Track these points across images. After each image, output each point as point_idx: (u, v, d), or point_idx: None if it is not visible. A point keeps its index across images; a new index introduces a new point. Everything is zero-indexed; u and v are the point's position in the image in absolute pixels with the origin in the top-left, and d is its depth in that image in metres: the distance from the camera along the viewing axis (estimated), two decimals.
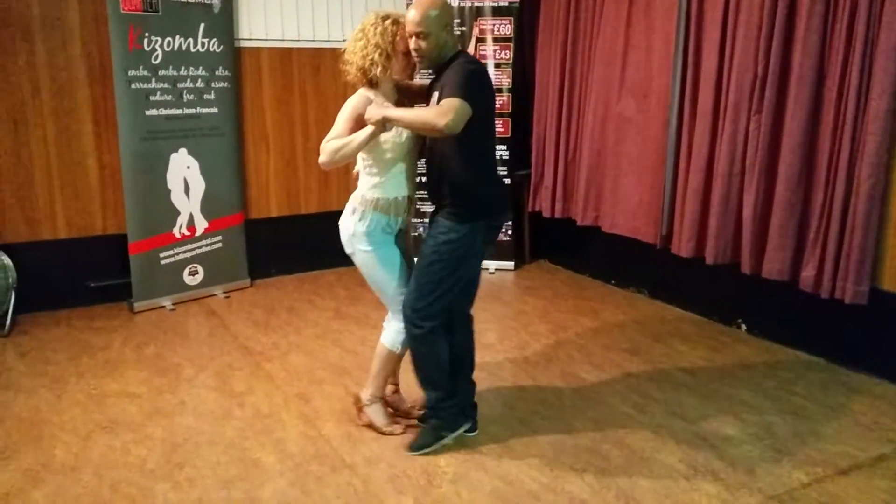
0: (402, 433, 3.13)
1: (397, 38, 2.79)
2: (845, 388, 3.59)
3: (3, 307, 4.35)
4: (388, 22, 2.78)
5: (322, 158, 2.77)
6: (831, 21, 3.61)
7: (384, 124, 2.68)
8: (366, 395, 3.17)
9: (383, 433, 3.12)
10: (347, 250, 2.98)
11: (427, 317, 2.88)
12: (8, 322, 4.33)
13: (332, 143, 2.74)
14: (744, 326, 4.37)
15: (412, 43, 2.76)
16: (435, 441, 3.02)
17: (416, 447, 3.02)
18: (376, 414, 3.15)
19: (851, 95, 3.52)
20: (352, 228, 2.91)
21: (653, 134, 4.64)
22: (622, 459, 2.95)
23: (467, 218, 2.82)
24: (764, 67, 3.88)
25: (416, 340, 2.95)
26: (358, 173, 2.98)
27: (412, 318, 2.90)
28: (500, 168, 5.50)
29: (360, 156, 2.89)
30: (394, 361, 3.11)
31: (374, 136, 2.72)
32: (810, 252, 3.80)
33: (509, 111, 5.49)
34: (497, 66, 5.46)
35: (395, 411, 3.27)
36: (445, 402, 3.03)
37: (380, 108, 2.71)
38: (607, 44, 4.89)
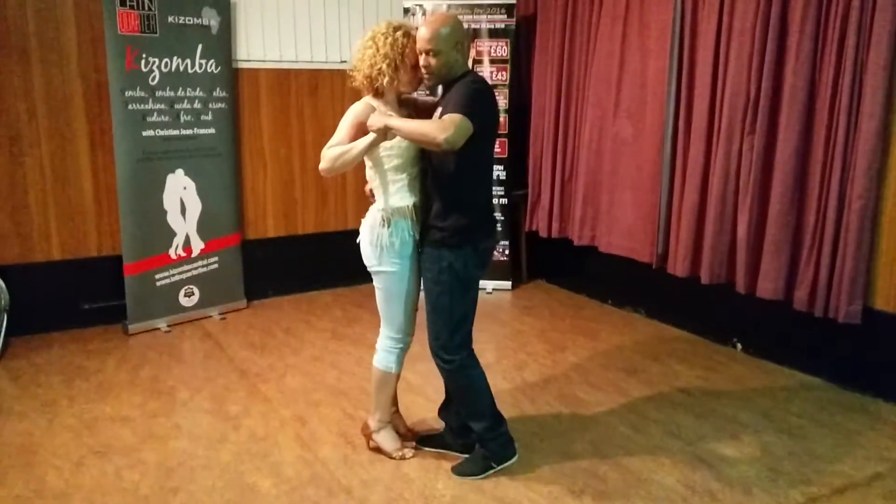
0: (412, 457, 3.11)
1: (407, 50, 2.77)
2: (840, 407, 3.60)
3: None
4: (399, 33, 2.77)
5: (322, 165, 2.75)
6: (821, 43, 3.66)
7: (385, 133, 2.67)
8: (373, 421, 3.14)
9: (393, 458, 3.10)
10: (372, 263, 2.90)
11: (453, 349, 2.88)
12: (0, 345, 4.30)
13: (333, 150, 2.73)
14: (739, 346, 4.37)
15: (422, 59, 2.75)
16: (482, 471, 2.97)
17: (462, 473, 2.99)
18: (385, 439, 3.13)
19: (842, 116, 3.55)
20: (384, 239, 2.84)
21: (648, 155, 4.67)
22: (620, 481, 2.94)
23: (455, 244, 2.80)
24: (756, 89, 3.92)
25: (450, 375, 2.93)
26: (371, 191, 2.95)
27: (440, 354, 2.89)
28: (497, 188, 5.55)
29: (369, 167, 2.88)
30: (391, 382, 3.08)
31: (374, 145, 2.71)
32: (803, 271, 3.82)
33: (506, 132, 5.51)
34: (494, 87, 5.41)
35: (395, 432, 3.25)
36: (493, 431, 2.98)
37: (382, 116, 2.70)
38: (602, 65, 4.94)
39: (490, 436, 2.98)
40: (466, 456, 3.07)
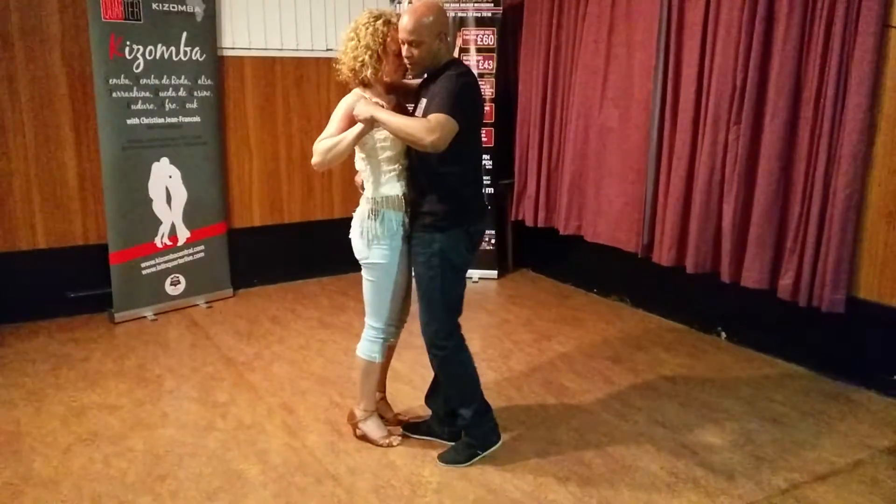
0: (399, 445, 3.12)
1: (388, 39, 2.75)
2: (823, 396, 3.64)
3: None
4: (379, 22, 2.75)
5: (314, 159, 2.74)
6: (808, 33, 3.68)
7: (372, 122, 2.66)
8: (359, 410, 3.15)
9: (380, 446, 3.11)
10: (363, 255, 2.89)
11: (448, 334, 2.89)
12: None
13: (324, 143, 2.72)
14: (724, 334, 4.41)
15: (404, 50, 2.73)
16: (467, 459, 3.00)
17: (448, 461, 3.00)
18: (372, 428, 3.14)
19: (828, 107, 3.58)
20: (373, 231, 2.84)
21: (634, 144, 4.68)
22: (604, 468, 2.97)
23: (445, 226, 2.81)
24: (743, 79, 3.93)
25: (445, 362, 2.94)
26: (362, 183, 2.94)
27: (434, 341, 2.90)
28: (483, 177, 5.55)
29: (360, 158, 2.87)
30: (376, 371, 3.09)
31: (363, 134, 2.70)
32: (788, 261, 3.85)
33: (492, 121, 5.52)
34: (480, 76, 5.49)
35: (381, 419, 3.27)
36: (480, 417, 3.01)
37: (369, 105, 2.68)
38: (589, 54, 4.94)
39: (477, 421, 3.00)
40: (452, 444, 3.10)
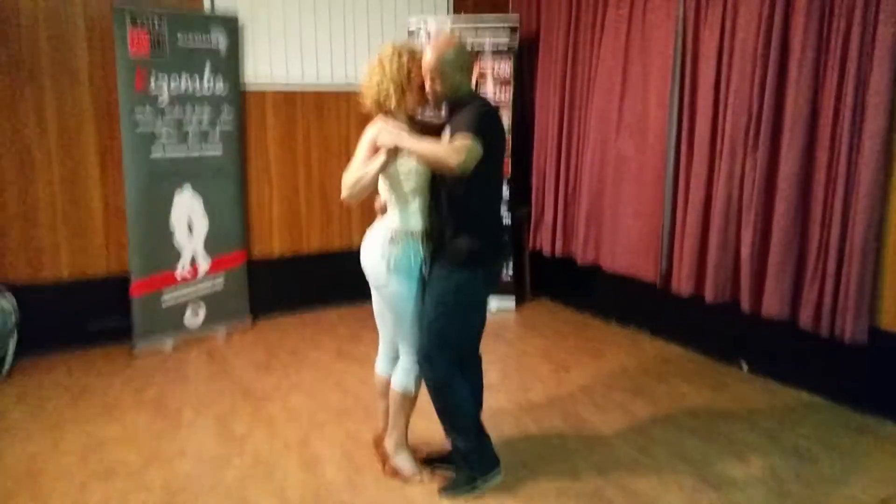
0: (430, 479, 3.08)
1: (412, 74, 2.80)
2: (848, 429, 3.57)
3: (2, 351, 4.32)
4: (404, 56, 2.80)
5: (343, 193, 2.75)
6: (823, 61, 3.67)
7: (397, 150, 2.68)
8: (390, 443, 3.12)
9: (412, 481, 3.07)
10: (379, 283, 2.89)
11: (442, 366, 2.88)
12: (7, 366, 4.31)
13: (350, 176, 2.74)
14: (745, 365, 4.35)
15: (427, 83, 2.79)
16: (468, 489, 2.97)
17: (448, 491, 2.98)
18: (403, 462, 3.11)
19: (845, 134, 3.56)
20: (391, 257, 2.84)
21: (651, 173, 4.68)
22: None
23: (468, 265, 2.81)
24: (759, 107, 3.93)
25: (435, 389, 2.93)
26: (384, 206, 2.94)
27: (427, 368, 2.89)
28: (501, 206, 5.56)
29: (385, 188, 2.88)
30: (410, 403, 3.06)
31: (387, 164, 2.71)
32: (808, 291, 3.80)
33: (510, 150, 5.53)
34: (497, 107, 5.51)
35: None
36: (472, 445, 2.99)
37: (391, 134, 2.70)
38: (605, 84, 4.96)
39: (470, 450, 2.98)
40: (452, 475, 3.06)
